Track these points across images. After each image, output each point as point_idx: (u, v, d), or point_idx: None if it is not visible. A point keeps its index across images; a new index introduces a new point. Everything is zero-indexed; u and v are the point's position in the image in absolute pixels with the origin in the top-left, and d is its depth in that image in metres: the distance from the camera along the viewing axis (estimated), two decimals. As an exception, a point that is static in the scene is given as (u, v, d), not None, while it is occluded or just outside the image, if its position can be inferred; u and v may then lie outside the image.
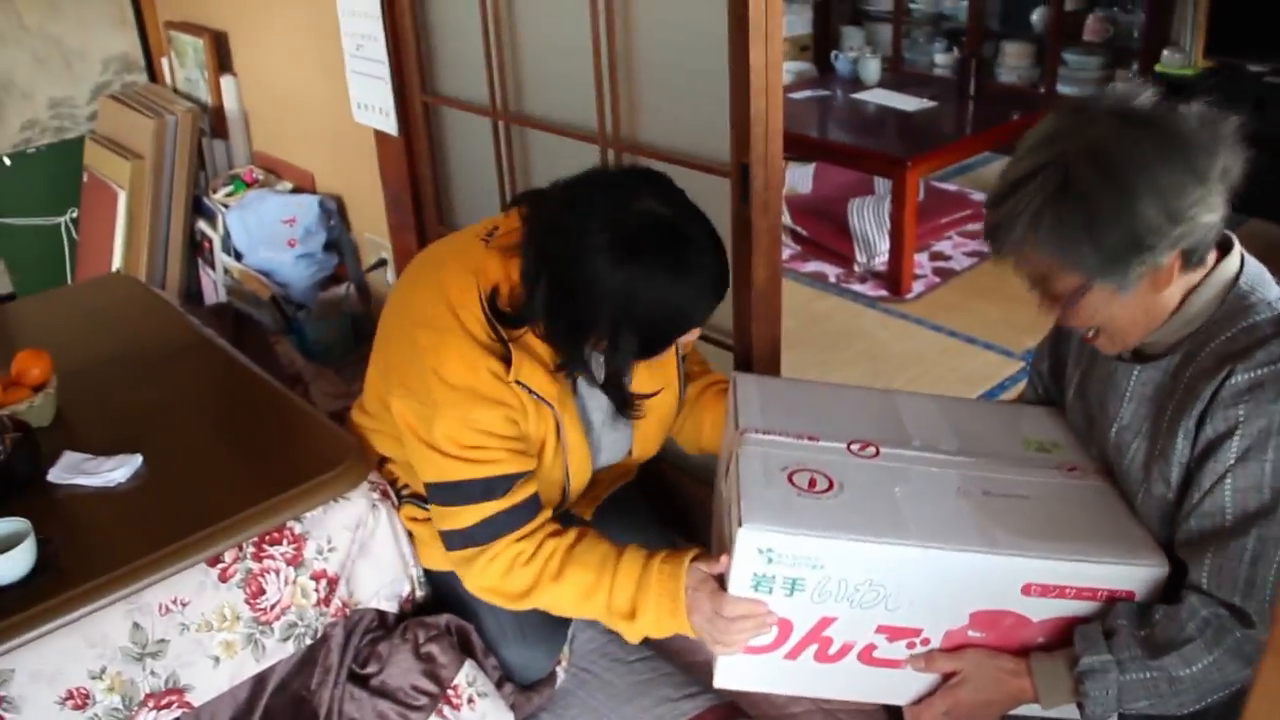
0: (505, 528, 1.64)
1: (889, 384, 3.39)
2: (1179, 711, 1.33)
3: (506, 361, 1.62)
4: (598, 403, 1.80)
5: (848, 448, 1.53)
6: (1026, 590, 1.37)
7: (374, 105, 2.85)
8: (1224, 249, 1.35)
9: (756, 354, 2.18)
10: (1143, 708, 1.32)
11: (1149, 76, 4.70)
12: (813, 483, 1.44)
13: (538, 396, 1.65)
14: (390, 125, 2.82)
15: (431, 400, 1.61)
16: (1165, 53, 4.65)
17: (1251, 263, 1.36)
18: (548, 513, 1.70)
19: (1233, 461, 1.27)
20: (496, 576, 1.64)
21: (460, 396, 1.60)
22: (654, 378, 1.82)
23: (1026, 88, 5.26)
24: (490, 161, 2.65)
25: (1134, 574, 1.36)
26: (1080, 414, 1.55)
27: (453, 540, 1.66)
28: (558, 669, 1.97)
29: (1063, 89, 5.09)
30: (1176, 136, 1.23)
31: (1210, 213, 1.25)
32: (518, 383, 1.62)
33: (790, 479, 1.44)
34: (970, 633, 1.42)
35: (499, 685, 1.86)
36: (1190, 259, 1.29)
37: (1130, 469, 1.43)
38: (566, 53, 2.31)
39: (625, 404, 1.75)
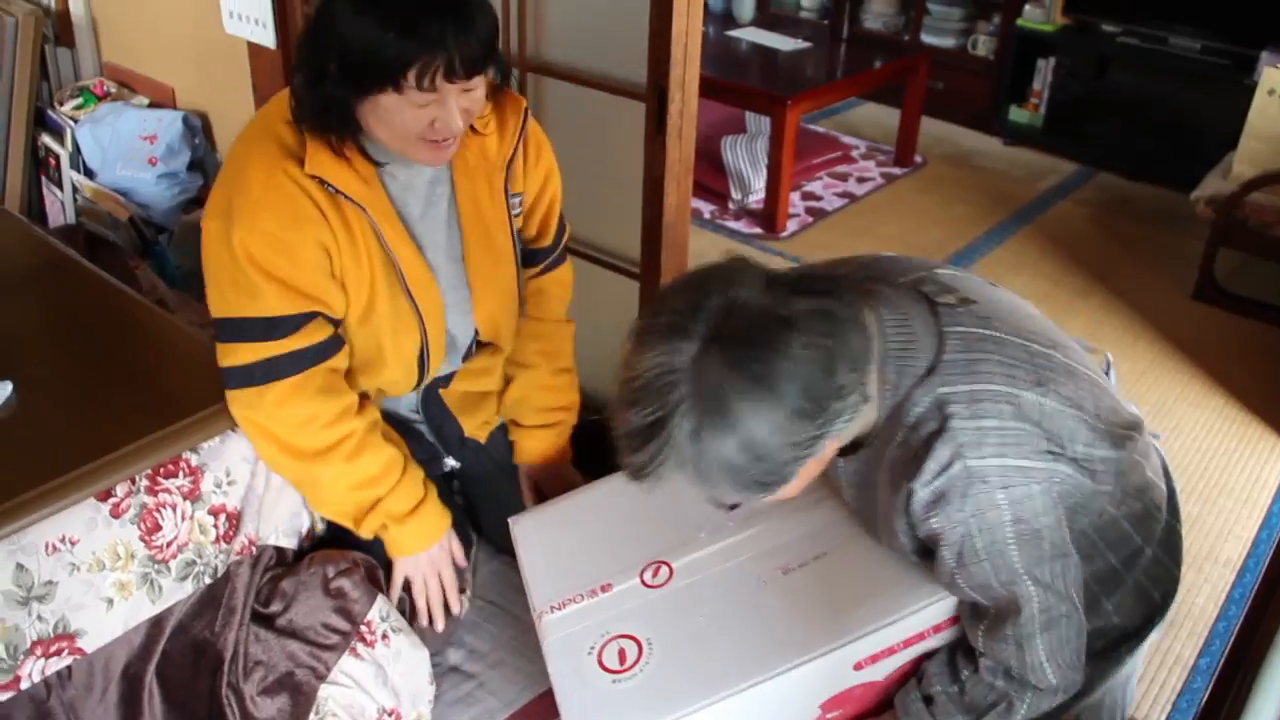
0: (285, 369, 1.62)
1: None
2: None
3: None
4: (424, 231, 1.73)
5: (641, 580, 1.52)
6: (859, 666, 1.39)
7: (248, 15, 2.67)
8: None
9: (663, 283, 2.15)
10: None
11: (1009, 30, 4.82)
12: (622, 655, 1.44)
13: (343, 195, 1.59)
14: (267, 37, 2.66)
15: (230, 210, 1.57)
16: (1027, 7, 4.76)
17: (903, 336, 1.27)
18: (341, 364, 1.68)
19: (954, 566, 1.25)
20: (289, 427, 1.64)
21: (259, 204, 1.56)
22: (484, 231, 1.76)
23: (892, 35, 5.33)
24: (378, 80, 2.51)
25: (947, 605, 1.38)
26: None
27: (231, 377, 1.64)
28: (462, 597, 1.92)
29: (927, 38, 5.17)
30: (782, 369, 1.11)
31: (847, 406, 1.16)
32: (320, 181, 1.57)
33: (600, 660, 1.44)
34: (827, 716, 1.45)
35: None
36: (849, 429, 1.23)
37: (873, 530, 1.42)
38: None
39: (349, 141, 1.59)
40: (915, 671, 1.44)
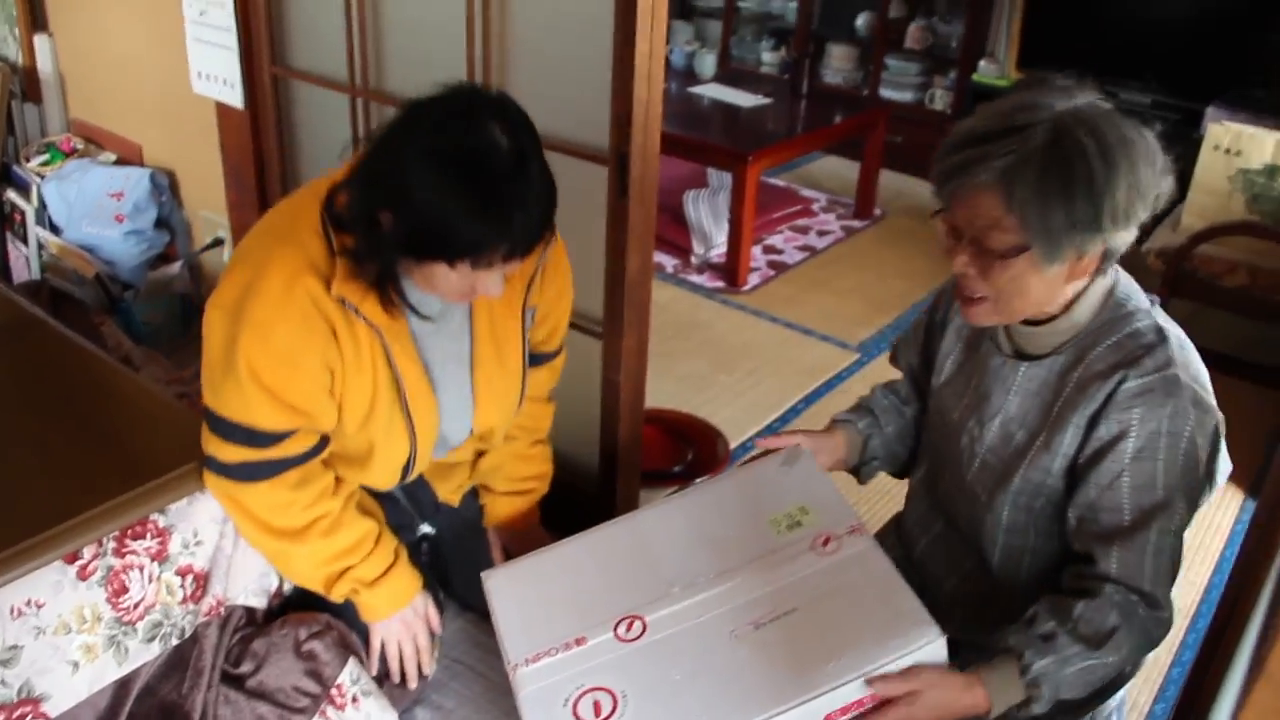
0: (264, 473, 1.62)
1: (731, 373, 3.46)
2: (1098, 686, 1.43)
3: (329, 281, 1.53)
4: (436, 342, 1.71)
5: (615, 633, 1.54)
6: (830, 719, 1.41)
7: (217, 75, 2.71)
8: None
9: (625, 344, 2.18)
10: (1075, 692, 1.40)
11: (965, 85, 4.94)
12: (597, 707, 1.45)
13: (363, 318, 1.56)
14: (235, 97, 2.69)
15: (241, 311, 1.52)
16: (981, 63, 4.89)
17: (1122, 273, 1.45)
18: (320, 468, 1.69)
19: (1128, 461, 1.37)
20: (266, 511, 1.65)
21: (274, 315, 1.52)
22: (496, 344, 1.76)
23: (850, 90, 5.43)
24: (346, 139, 2.55)
25: (917, 658, 1.40)
26: (953, 400, 1.60)
27: (210, 463, 1.64)
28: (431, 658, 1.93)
29: (885, 93, 5.28)
30: (1153, 147, 1.30)
31: (1138, 227, 1.32)
32: (341, 301, 1.53)
33: (575, 712, 1.46)
34: None
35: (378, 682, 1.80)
36: (1106, 262, 1.37)
37: (1008, 455, 1.50)
38: (437, 29, 2.25)
39: (388, 285, 1.57)
40: None
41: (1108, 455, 1.38)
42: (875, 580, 1.50)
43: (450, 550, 2.05)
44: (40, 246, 3.19)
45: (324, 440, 1.68)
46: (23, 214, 3.25)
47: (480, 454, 1.97)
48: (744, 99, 4.62)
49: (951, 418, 1.60)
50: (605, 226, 2.09)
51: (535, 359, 1.90)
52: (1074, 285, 1.39)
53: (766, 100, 4.62)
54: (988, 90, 4.82)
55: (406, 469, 1.76)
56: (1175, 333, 1.42)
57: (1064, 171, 1.25)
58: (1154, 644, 1.43)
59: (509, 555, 1.96)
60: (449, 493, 1.97)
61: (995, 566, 1.56)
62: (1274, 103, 4.01)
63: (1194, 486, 1.40)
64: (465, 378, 1.77)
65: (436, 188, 1.41)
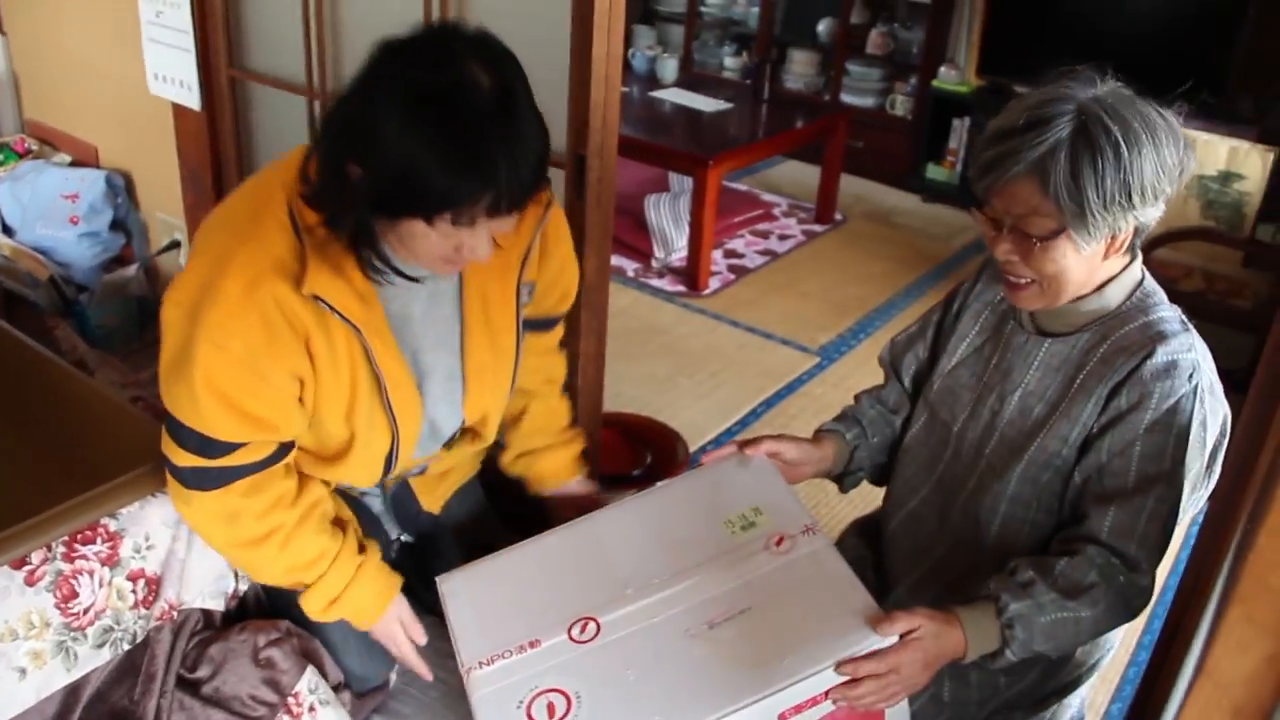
0: (214, 481, 1.54)
1: (692, 377, 3.47)
2: (1069, 651, 1.53)
3: (299, 280, 1.42)
4: (424, 327, 1.61)
5: (569, 636, 1.54)
6: (783, 717, 1.42)
7: (173, 77, 2.68)
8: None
9: (583, 348, 2.19)
10: (1048, 649, 1.44)
11: (926, 91, 4.98)
12: (551, 709, 1.45)
13: (339, 315, 1.44)
14: (192, 99, 2.67)
15: (198, 312, 1.41)
16: (942, 69, 4.92)
17: (1149, 274, 1.55)
18: (276, 475, 1.60)
19: (1142, 431, 1.44)
20: (216, 522, 1.59)
21: (233, 321, 1.41)
22: (488, 324, 1.67)
23: (812, 95, 5.46)
24: (302, 141, 2.53)
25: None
26: (968, 378, 1.65)
27: (168, 467, 1.58)
28: (391, 674, 1.92)
29: (846, 98, 5.31)
30: (1173, 126, 1.39)
31: (1162, 207, 1.41)
32: (315, 299, 1.42)
33: (529, 714, 1.46)
34: None
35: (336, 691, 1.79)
36: (1137, 237, 1.45)
37: (1027, 427, 1.55)
38: (394, 31, 2.24)
39: (365, 250, 1.43)
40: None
41: (1123, 423, 1.45)
42: (829, 579, 1.51)
43: (423, 557, 2.03)
44: (-7, 249, 3.15)
45: (283, 447, 1.59)
46: (-25, 216, 3.21)
47: (518, 417, 1.93)
48: (706, 103, 4.64)
49: (964, 396, 1.64)
50: (563, 230, 2.10)
51: (551, 323, 1.87)
52: (1109, 266, 1.48)
53: (728, 105, 4.64)
54: (948, 96, 4.86)
55: (389, 463, 1.70)
56: (1193, 329, 1.51)
57: (1093, 155, 1.34)
58: (1131, 609, 1.47)
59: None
60: (432, 502, 1.95)
61: (991, 538, 1.59)
62: (1228, 110, 4.07)
63: (1198, 470, 1.49)
64: (455, 364, 1.67)
65: (406, 133, 1.27)
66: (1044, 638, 1.43)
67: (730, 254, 4.40)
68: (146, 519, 1.67)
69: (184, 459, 1.54)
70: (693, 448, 2.99)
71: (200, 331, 1.41)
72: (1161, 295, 1.53)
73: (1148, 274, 1.54)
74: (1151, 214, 1.41)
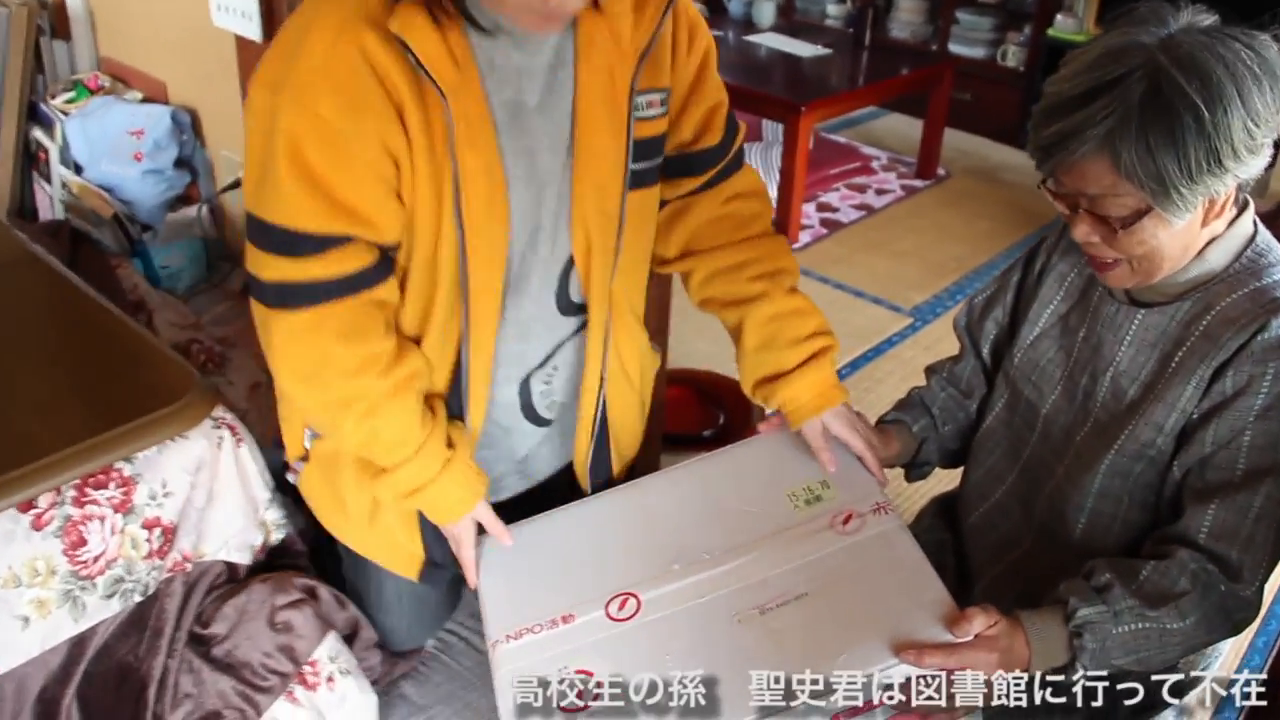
0: (304, 298, 1.31)
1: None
2: (1158, 669, 1.29)
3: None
4: (531, 122, 1.35)
5: (606, 612, 1.40)
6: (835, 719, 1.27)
7: (234, 7, 2.58)
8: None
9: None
10: (1128, 663, 1.27)
11: (1040, 41, 4.69)
12: (579, 695, 1.31)
13: (425, 73, 1.23)
14: (253, 30, 2.56)
15: (283, 81, 1.24)
16: (1059, 18, 4.64)
17: (1263, 227, 1.33)
18: (385, 296, 1.36)
19: (1252, 419, 1.24)
20: (298, 368, 1.36)
21: (319, 76, 1.23)
22: (593, 137, 1.39)
23: (918, 44, 5.20)
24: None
25: None
26: (1054, 353, 1.46)
27: (249, 283, 1.35)
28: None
29: (955, 48, 5.05)
30: (1266, 59, 1.16)
31: (1269, 152, 1.19)
32: (400, 43, 1.22)
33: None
34: None
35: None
36: (1241, 193, 1.25)
37: (1120, 412, 1.36)
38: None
39: None
40: None
41: (1229, 410, 1.25)
42: (900, 565, 1.36)
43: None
44: (63, 185, 3.12)
45: (383, 262, 1.34)
46: (48, 153, 3.17)
47: (738, 330, 1.57)
48: (802, 49, 4.42)
49: (1051, 372, 1.45)
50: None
51: (693, 164, 1.54)
52: (1212, 229, 1.26)
53: (826, 51, 4.43)
54: (1064, 46, 4.55)
55: (464, 297, 1.39)
56: None
57: (1169, 121, 1.13)
58: (1233, 624, 1.28)
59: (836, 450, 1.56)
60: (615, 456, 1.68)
61: (1077, 537, 1.41)
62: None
63: None
64: (566, 176, 1.40)
65: None
66: (1122, 650, 1.24)
67: (824, 207, 4.20)
68: (164, 464, 1.58)
69: (268, 268, 1.31)
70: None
71: (285, 98, 1.24)
72: (1278, 250, 1.31)
73: (1262, 228, 1.32)
74: (1255, 166, 1.19)
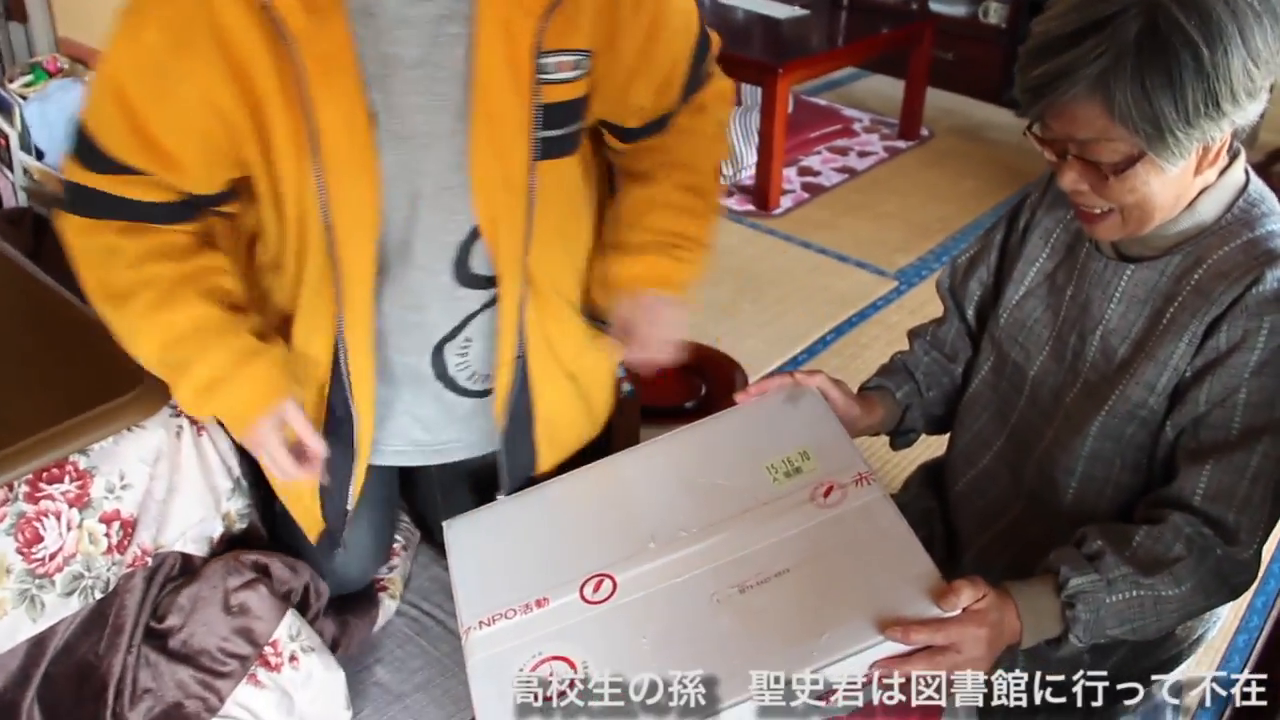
0: (95, 209, 1.31)
1: (757, 302, 3.24)
2: (1153, 636, 1.26)
3: None
4: (419, 80, 1.26)
5: (580, 595, 1.35)
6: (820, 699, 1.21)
7: (190, -19, 2.50)
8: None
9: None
10: (1123, 632, 1.22)
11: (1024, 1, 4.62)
12: (554, 679, 1.26)
13: (274, 18, 1.15)
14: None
15: (130, 3, 1.24)
16: (1039, -31, 4.56)
17: (1255, 176, 1.28)
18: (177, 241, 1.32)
19: (1247, 375, 1.19)
20: (90, 259, 1.35)
21: (153, 5, 1.21)
22: (490, 102, 1.28)
23: (898, 3, 5.12)
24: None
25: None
26: (1040, 312, 1.40)
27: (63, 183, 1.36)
28: (383, 596, 1.74)
29: (935, 6, 4.96)
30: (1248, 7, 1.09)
31: (1265, 97, 1.14)
32: None
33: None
34: None
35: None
36: (1236, 140, 1.20)
37: (1111, 372, 1.30)
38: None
39: None
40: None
41: (1224, 366, 1.20)
42: (882, 538, 1.29)
43: (436, 489, 1.85)
44: (25, 172, 3.04)
45: (185, 205, 1.32)
46: (7, 139, 3.09)
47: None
48: (779, 10, 4.34)
49: (1038, 333, 1.40)
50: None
51: (654, 125, 1.47)
52: (1204, 177, 1.21)
53: (804, 11, 4.34)
54: (1045, 2, 4.49)
55: (335, 276, 1.32)
56: None
57: (1166, 61, 1.06)
58: (1230, 588, 1.23)
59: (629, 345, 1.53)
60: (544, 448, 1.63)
61: (1068, 501, 1.36)
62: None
63: None
64: (461, 143, 1.30)
65: None
66: (1116, 620, 1.20)
67: (805, 171, 4.13)
68: (121, 455, 1.53)
69: (72, 170, 1.32)
70: (753, 379, 2.77)
71: (123, 17, 1.25)
72: (1273, 202, 1.25)
73: (1254, 176, 1.26)
74: (1252, 111, 1.13)
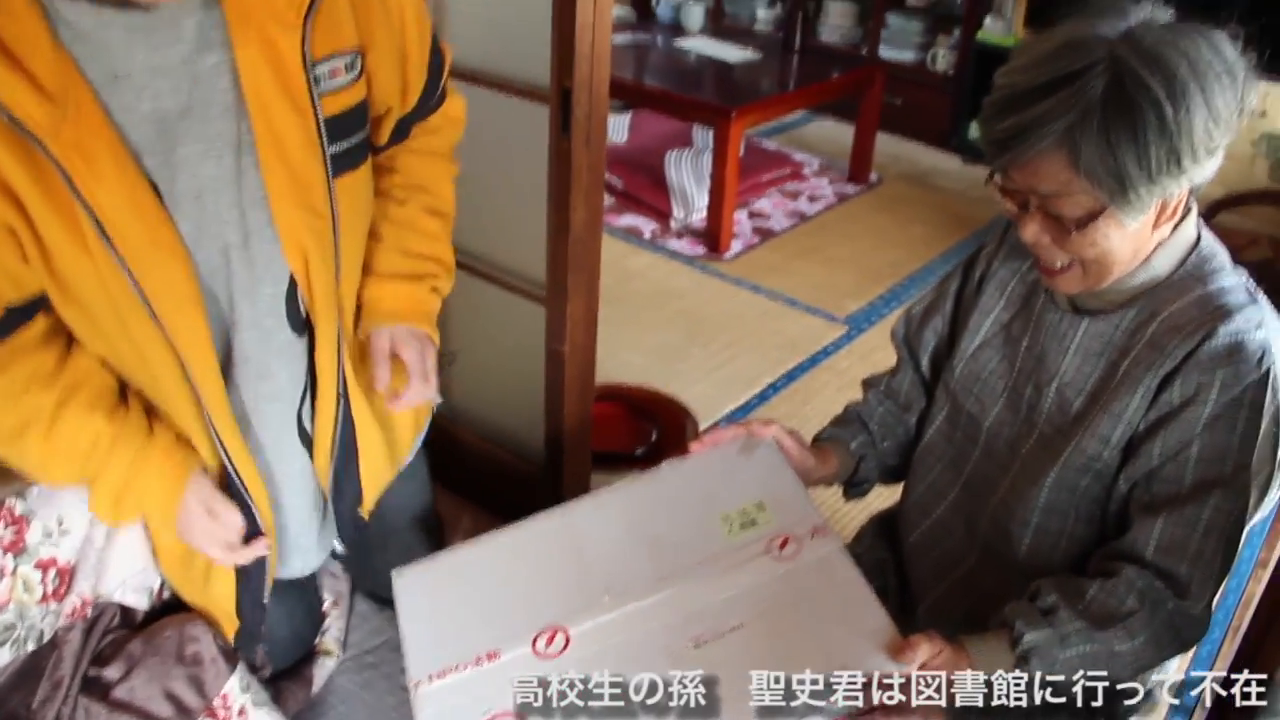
0: None
1: (707, 346, 3.24)
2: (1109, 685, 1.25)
3: None
4: (194, 130, 1.19)
5: (533, 648, 1.33)
6: None
7: None
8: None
9: (571, 309, 1.96)
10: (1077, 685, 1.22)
11: (970, 45, 4.69)
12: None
13: (18, 125, 1.06)
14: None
15: None
16: (987, 20, 4.64)
17: (1207, 230, 1.30)
18: (30, 346, 1.24)
19: (1199, 430, 1.20)
20: None
21: None
22: (271, 127, 1.22)
23: (848, 48, 5.19)
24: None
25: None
26: (996, 363, 1.41)
27: None
28: (319, 658, 1.70)
29: (885, 53, 5.04)
30: (1225, 57, 1.12)
31: (1221, 156, 1.16)
32: None
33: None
34: None
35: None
36: (1191, 197, 1.23)
37: (1065, 425, 1.31)
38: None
39: None
40: None
41: (1177, 420, 1.21)
42: (838, 593, 1.29)
43: (368, 535, 1.80)
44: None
45: (11, 314, 1.21)
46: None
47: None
48: (732, 53, 4.38)
49: (993, 384, 1.40)
50: (546, 175, 1.86)
51: (396, 130, 1.45)
52: (1160, 231, 1.22)
53: (756, 55, 4.39)
54: (994, 50, 4.57)
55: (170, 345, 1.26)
56: (1263, 299, 1.26)
57: (1131, 118, 1.09)
58: (1181, 643, 1.24)
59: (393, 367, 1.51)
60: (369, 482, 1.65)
61: (1023, 553, 1.36)
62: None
63: (1269, 473, 1.24)
64: (240, 174, 1.23)
65: None
66: (1070, 674, 1.20)
67: (756, 215, 4.15)
68: (59, 500, 1.48)
69: None
70: (703, 424, 2.76)
71: None
72: (1224, 258, 1.27)
73: (1206, 231, 1.28)
74: (1208, 169, 1.16)
